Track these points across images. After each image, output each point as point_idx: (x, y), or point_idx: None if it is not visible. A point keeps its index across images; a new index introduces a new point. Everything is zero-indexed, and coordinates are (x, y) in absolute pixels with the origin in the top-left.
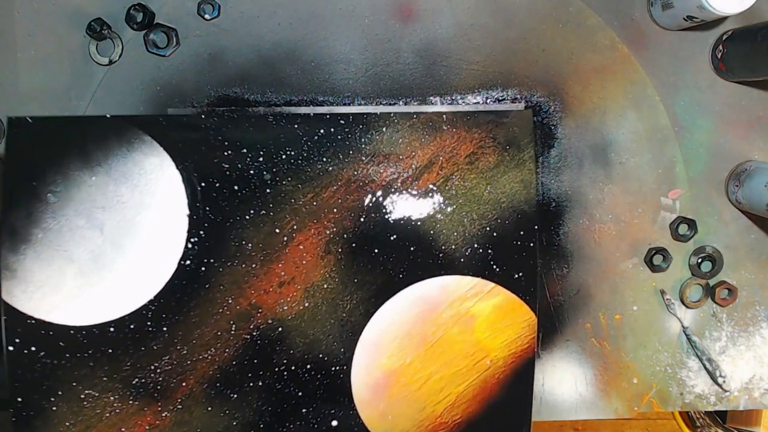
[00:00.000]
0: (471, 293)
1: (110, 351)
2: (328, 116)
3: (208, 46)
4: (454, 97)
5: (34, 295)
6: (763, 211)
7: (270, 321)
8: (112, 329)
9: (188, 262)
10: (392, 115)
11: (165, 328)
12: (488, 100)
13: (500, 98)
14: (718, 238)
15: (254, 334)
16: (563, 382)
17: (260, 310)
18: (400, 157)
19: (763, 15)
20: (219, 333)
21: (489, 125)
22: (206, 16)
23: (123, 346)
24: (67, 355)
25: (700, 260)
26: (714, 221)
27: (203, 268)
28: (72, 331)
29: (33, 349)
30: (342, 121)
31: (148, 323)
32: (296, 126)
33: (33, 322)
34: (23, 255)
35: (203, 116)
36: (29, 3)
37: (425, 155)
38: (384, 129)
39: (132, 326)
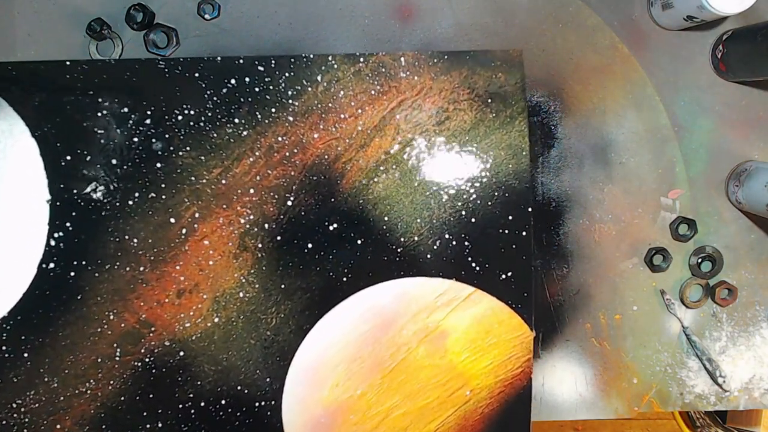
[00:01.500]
0: (441, 301)
1: None
2: (241, 61)
3: (208, 46)
4: None
5: None
6: (763, 211)
7: (167, 343)
8: None
9: (51, 265)
10: (330, 58)
11: (26, 354)
12: None
13: None
14: (718, 238)
15: (147, 360)
16: (563, 382)
17: (153, 329)
18: (342, 115)
19: (763, 15)
20: (99, 360)
21: (464, 71)
22: (206, 16)
23: None
24: None
25: (700, 260)
26: (714, 221)
27: (72, 273)
28: None
29: None
30: (260, 68)
31: (3, 347)
32: (197, 75)
33: None
34: None
35: (67, 63)
36: (29, 3)
37: (376, 113)
38: (319, 77)
39: None
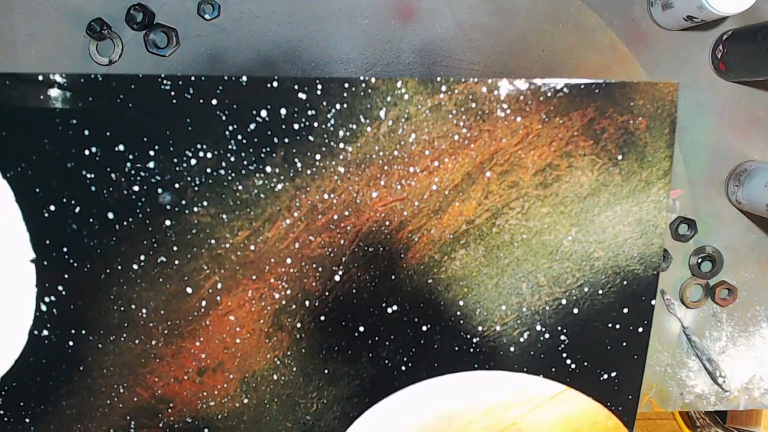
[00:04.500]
0: (523, 397)
1: None
2: (274, 83)
3: (208, 46)
4: None
5: None
6: (763, 211)
7: (189, 419)
8: None
9: (45, 332)
10: (399, 84)
11: (27, 420)
12: None
13: None
14: (718, 238)
15: None
16: None
17: (171, 405)
18: (411, 168)
19: (763, 15)
20: (111, 431)
21: (590, 112)
22: (206, 16)
23: None
24: None
25: (700, 260)
26: (714, 221)
27: (71, 342)
28: None
29: None
30: (302, 95)
31: (1, 412)
32: (215, 102)
33: None
34: None
35: (41, 79)
36: (29, 3)
37: (459, 167)
38: (382, 113)
39: None
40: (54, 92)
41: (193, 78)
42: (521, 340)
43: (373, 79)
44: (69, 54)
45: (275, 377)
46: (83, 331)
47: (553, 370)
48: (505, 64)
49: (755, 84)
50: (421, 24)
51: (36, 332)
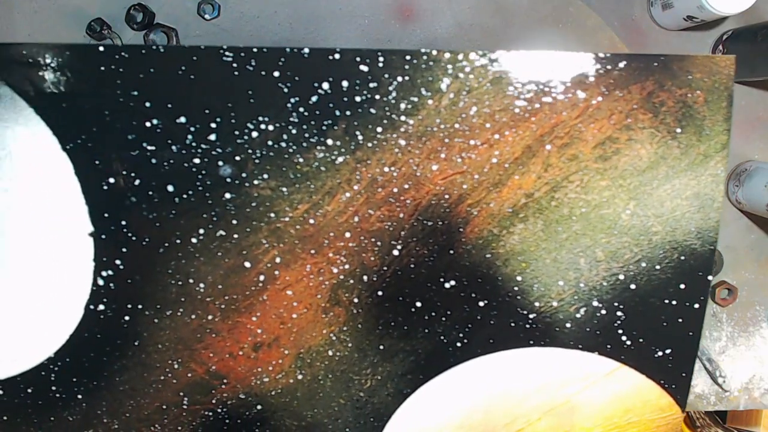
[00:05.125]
0: (576, 375)
1: (4, 418)
2: (336, 55)
3: None
4: None
5: None
6: (763, 211)
7: (242, 396)
8: (0, 392)
9: (101, 306)
10: (461, 57)
11: (80, 396)
12: None
13: None
14: (718, 238)
15: (219, 410)
16: None
17: (225, 381)
18: (471, 141)
19: (763, 15)
20: (164, 407)
21: (649, 85)
22: (206, 16)
23: (23, 413)
24: None
25: None
26: None
27: (126, 317)
28: None
29: None
30: (363, 67)
31: (53, 387)
32: (277, 74)
33: None
34: None
35: (102, 50)
36: (29, 3)
37: (519, 140)
38: (443, 85)
39: (30, 390)
40: (114, 61)
41: (255, 50)
42: (578, 316)
43: (434, 51)
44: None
45: (330, 353)
46: (140, 306)
47: (608, 346)
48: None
49: (755, 84)
50: (421, 24)
51: (92, 307)
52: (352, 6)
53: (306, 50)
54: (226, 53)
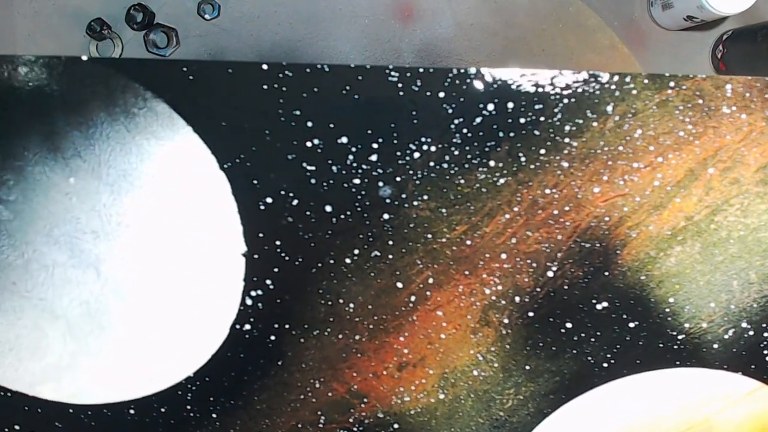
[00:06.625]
0: (718, 394)
1: None
2: (502, 77)
3: (208, 46)
4: None
5: (1, 360)
6: None
7: (381, 415)
8: (133, 410)
9: (247, 326)
10: (628, 80)
11: (214, 415)
12: None
13: None
14: None
15: (355, 429)
16: None
17: (365, 400)
18: (635, 164)
19: (763, 15)
20: (299, 425)
21: None
22: (206, 16)
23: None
24: None
25: None
26: None
27: (272, 337)
28: (72, 411)
29: (17, 428)
30: (530, 89)
31: (188, 407)
32: (442, 95)
33: (9, 395)
34: None
35: (265, 68)
36: (29, 3)
37: (682, 163)
38: (609, 108)
39: (163, 409)
40: (276, 80)
41: (421, 70)
42: (725, 337)
43: (601, 73)
44: (69, 54)
45: (475, 373)
46: (287, 326)
47: (752, 367)
48: (505, 64)
49: None
50: (421, 24)
51: (237, 326)
52: (352, 6)
53: (472, 70)
54: (392, 73)
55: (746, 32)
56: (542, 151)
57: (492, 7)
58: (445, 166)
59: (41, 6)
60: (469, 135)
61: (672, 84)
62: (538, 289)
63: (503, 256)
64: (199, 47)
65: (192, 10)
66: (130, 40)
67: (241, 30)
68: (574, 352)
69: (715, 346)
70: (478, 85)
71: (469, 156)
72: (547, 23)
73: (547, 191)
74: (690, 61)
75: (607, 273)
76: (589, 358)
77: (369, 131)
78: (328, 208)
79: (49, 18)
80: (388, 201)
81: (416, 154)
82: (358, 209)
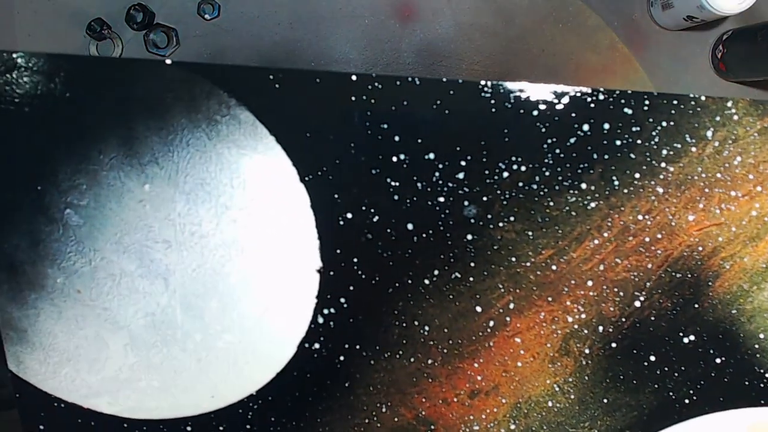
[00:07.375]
0: None
1: None
2: (600, 96)
3: (208, 46)
4: None
5: (58, 370)
6: None
7: None
8: (190, 428)
9: (316, 345)
10: (729, 104)
11: None
12: None
13: None
14: None
15: None
16: None
17: (432, 428)
18: (733, 192)
19: (763, 15)
20: None
21: None
22: (206, 16)
23: None
24: None
25: None
26: None
27: (341, 357)
28: (126, 425)
29: None
30: (627, 110)
31: (248, 426)
32: (535, 113)
33: (63, 406)
34: (34, 308)
35: (354, 79)
36: (29, 3)
37: None
38: (709, 133)
39: (222, 428)
40: (365, 92)
41: (513, 87)
42: None
43: (703, 98)
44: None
45: (550, 404)
46: (357, 346)
47: None
48: (505, 64)
49: (755, 84)
50: (421, 24)
51: (306, 345)
52: (352, 6)
53: (568, 89)
54: (485, 88)
55: (746, 32)
56: (637, 175)
57: (492, 7)
58: (535, 187)
59: (41, 6)
60: (562, 156)
61: None
62: (624, 320)
63: (589, 283)
64: (199, 47)
65: (192, 10)
66: (130, 40)
67: (241, 30)
68: (656, 386)
69: None
70: (574, 104)
71: (560, 177)
72: (547, 23)
73: (640, 217)
74: (690, 61)
75: (697, 305)
76: (671, 393)
77: (457, 148)
78: (410, 226)
79: (49, 18)
80: (472, 221)
81: (505, 174)
82: (441, 228)
